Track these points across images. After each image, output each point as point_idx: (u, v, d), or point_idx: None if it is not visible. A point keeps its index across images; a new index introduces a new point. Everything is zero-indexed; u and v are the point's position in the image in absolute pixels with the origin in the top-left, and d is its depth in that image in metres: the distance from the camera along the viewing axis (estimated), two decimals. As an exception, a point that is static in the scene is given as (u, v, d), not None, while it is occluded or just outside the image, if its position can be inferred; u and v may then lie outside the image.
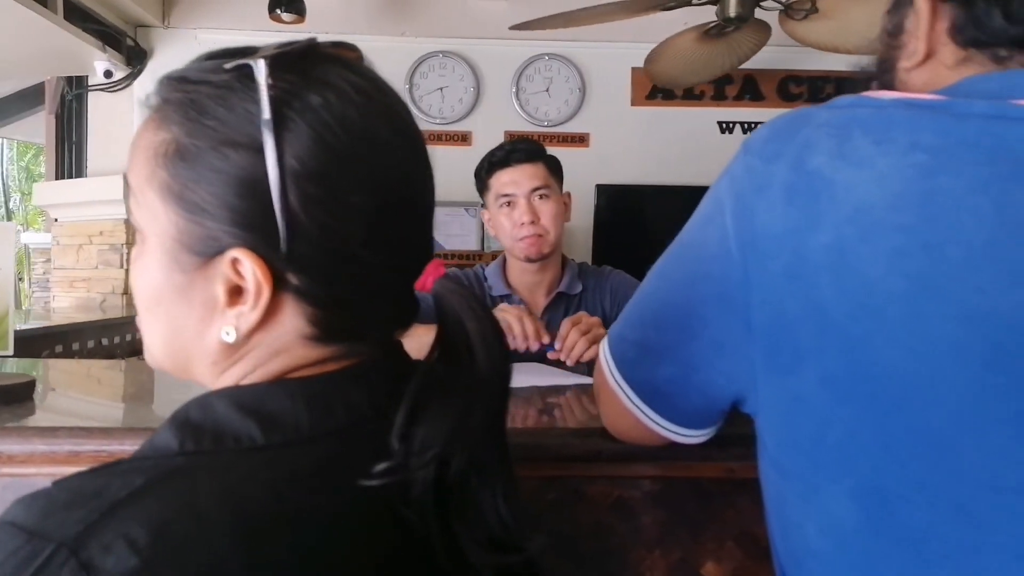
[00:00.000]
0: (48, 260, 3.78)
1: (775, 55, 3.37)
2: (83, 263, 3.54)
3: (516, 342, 1.34)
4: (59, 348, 2.35)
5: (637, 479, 0.90)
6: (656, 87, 3.65)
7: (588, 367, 1.32)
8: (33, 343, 2.23)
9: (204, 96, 0.47)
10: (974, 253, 0.48)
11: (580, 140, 3.67)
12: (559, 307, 1.68)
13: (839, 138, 0.56)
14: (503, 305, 1.39)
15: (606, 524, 0.90)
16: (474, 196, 1.80)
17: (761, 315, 0.59)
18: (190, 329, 0.49)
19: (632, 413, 0.76)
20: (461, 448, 0.48)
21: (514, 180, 1.63)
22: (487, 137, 3.65)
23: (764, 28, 2.55)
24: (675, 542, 0.91)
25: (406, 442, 0.47)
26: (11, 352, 1.28)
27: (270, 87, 0.45)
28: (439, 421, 0.48)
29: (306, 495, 0.44)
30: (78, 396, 1.14)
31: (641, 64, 3.61)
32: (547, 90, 3.65)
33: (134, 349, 2.83)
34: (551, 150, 3.49)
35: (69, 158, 3.72)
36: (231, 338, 0.48)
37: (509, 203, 1.63)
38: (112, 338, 2.70)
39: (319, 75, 0.48)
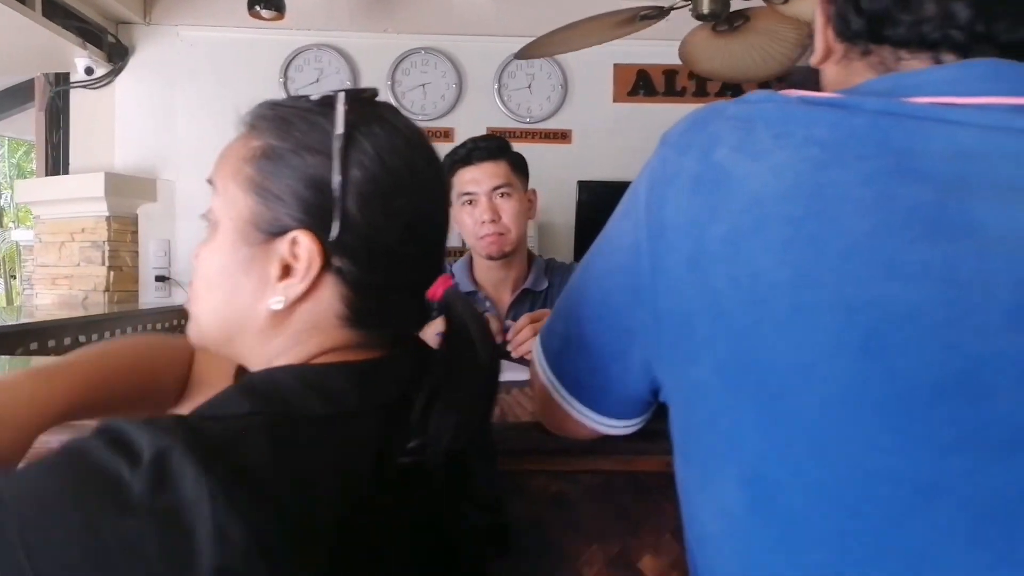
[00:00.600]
0: (36, 235, 3.76)
1: (756, 51, 3.37)
2: (65, 260, 3.54)
3: None
4: (34, 345, 2.35)
5: (575, 473, 0.91)
6: (638, 84, 3.66)
7: None
8: (8, 340, 2.23)
9: (292, 114, 0.62)
10: (854, 245, 0.49)
11: (562, 136, 3.68)
12: (524, 304, 1.69)
13: (743, 131, 0.58)
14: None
15: (545, 518, 0.91)
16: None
17: (666, 305, 0.61)
18: (246, 299, 0.61)
19: (561, 406, 0.77)
20: (468, 431, 0.63)
21: (475, 178, 1.63)
22: (470, 134, 3.62)
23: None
24: (613, 536, 0.91)
25: (423, 425, 0.61)
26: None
27: (346, 112, 0.60)
28: (451, 410, 0.62)
29: (354, 461, 0.56)
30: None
31: (623, 61, 3.65)
32: (529, 87, 3.65)
33: (113, 346, 2.83)
34: (534, 147, 3.51)
35: (55, 155, 3.71)
36: (280, 305, 0.59)
37: (471, 201, 1.64)
38: (90, 336, 2.69)
39: (380, 112, 0.64)
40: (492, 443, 0.72)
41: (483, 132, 3.59)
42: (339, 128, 0.59)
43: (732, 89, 3.73)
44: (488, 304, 1.67)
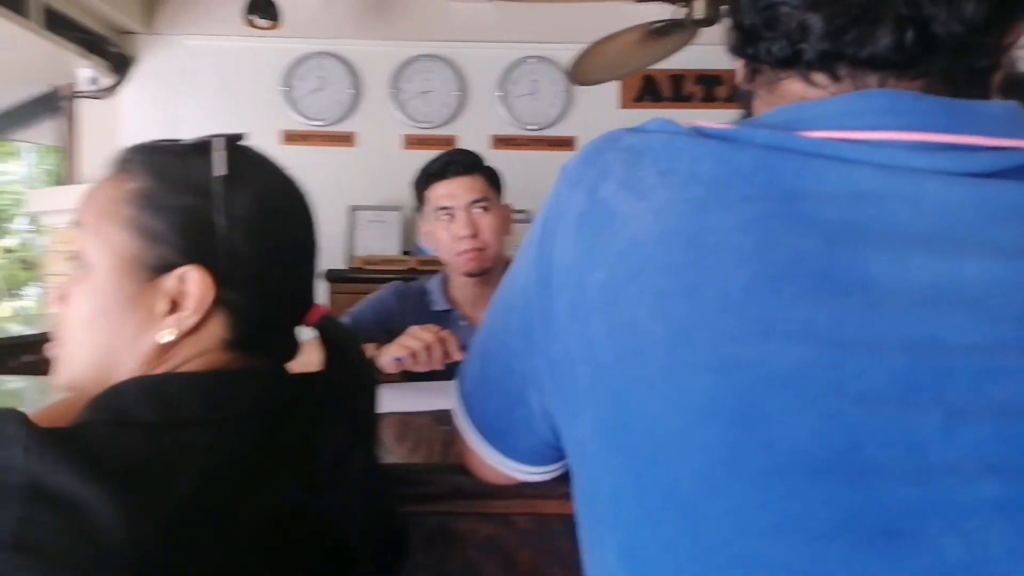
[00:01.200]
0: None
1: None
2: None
3: (421, 365, 1.30)
4: (30, 357, 2.36)
5: (507, 515, 0.86)
6: (644, 90, 3.59)
7: None
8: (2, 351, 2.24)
9: (167, 157, 0.66)
10: (731, 298, 0.44)
11: (567, 144, 3.61)
12: (502, 321, 1.65)
13: (631, 165, 0.54)
14: (412, 329, 1.34)
15: (477, 562, 0.87)
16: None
17: (554, 353, 0.56)
18: (128, 335, 0.63)
19: (475, 449, 0.73)
20: (354, 444, 0.69)
21: (451, 193, 1.59)
22: (473, 141, 3.60)
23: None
24: (550, 581, 0.86)
25: (308, 438, 0.65)
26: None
27: (227, 155, 0.65)
28: (337, 424, 0.68)
29: (180, 466, 0.55)
30: None
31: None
32: (533, 93, 3.60)
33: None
34: (538, 154, 3.47)
35: (65, 165, 3.75)
36: (171, 337, 0.62)
37: (448, 216, 1.59)
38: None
39: (254, 154, 0.70)
40: (374, 460, 0.77)
41: (486, 140, 3.57)
42: (221, 170, 0.64)
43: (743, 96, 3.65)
44: (463, 323, 1.62)
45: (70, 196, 3.52)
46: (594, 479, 0.52)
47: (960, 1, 0.45)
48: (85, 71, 3.40)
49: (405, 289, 1.69)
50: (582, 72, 2.66)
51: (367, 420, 0.74)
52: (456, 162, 1.61)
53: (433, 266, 3.29)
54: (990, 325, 0.40)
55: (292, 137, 3.62)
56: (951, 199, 0.42)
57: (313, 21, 3.50)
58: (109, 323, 0.63)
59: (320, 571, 0.65)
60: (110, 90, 3.54)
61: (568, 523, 0.86)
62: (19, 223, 10.75)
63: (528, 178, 3.56)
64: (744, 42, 0.55)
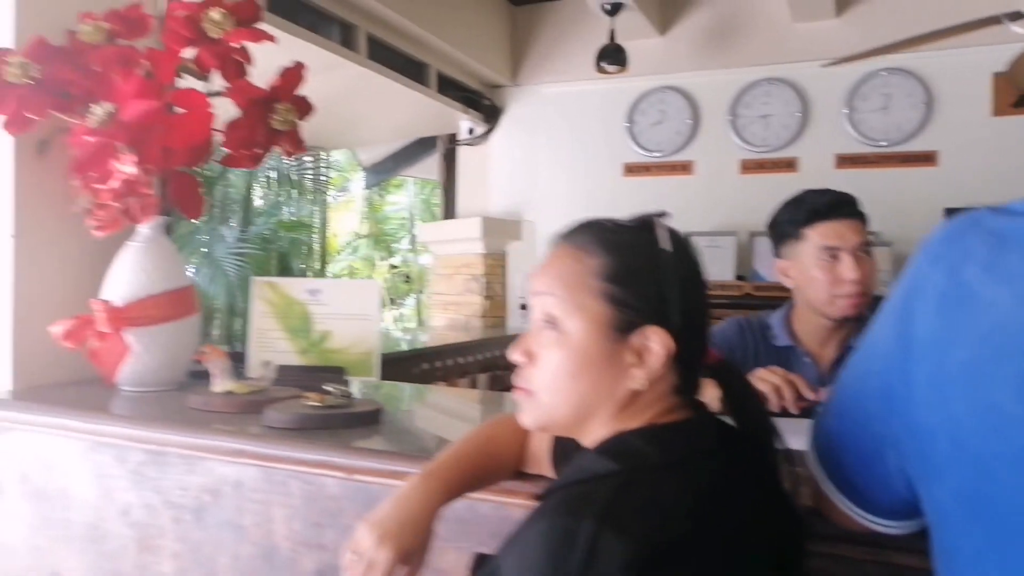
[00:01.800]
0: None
1: None
2: (452, 290, 4.23)
3: (771, 407, 1.33)
4: (425, 366, 2.90)
5: (860, 561, 0.91)
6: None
7: None
8: (407, 362, 2.79)
9: (619, 236, 0.78)
10: None
11: (926, 159, 3.33)
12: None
13: (995, 250, 0.57)
14: (761, 371, 1.37)
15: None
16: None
17: (913, 419, 0.62)
18: (605, 384, 0.76)
19: (830, 498, 0.80)
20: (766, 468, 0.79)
21: (841, 233, 1.53)
22: (814, 162, 3.51)
23: None
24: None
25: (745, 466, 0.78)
26: (378, 379, 1.68)
27: (669, 232, 0.77)
28: (755, 459, 0.79)
29: (699, 492, 0.71)
30: (412, 423, 1.47)
31: (1004, 69, 3.18)
32: (885, 108, 3.38)
33: (483, 367, 3.34)
34: (890, 172, 3.29)
35: (447, 203, 4.48)
36: (642, 386, 0.75)
37: (832, 257, 1.55)
38: (466, 357, 3.21)
39: (674, 230, 0.80)
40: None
41: (830, 160, 3.45)
42: (666, 244, 0.76)
43: None
44: (807, 360, 1.63)
45: (450, 228, 4.19)
46: (955, 541, 0.57)
47: None
48: (464, 122, 4.03)
49: (747, 324, 1.74)
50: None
51: (770, 458, 0.81)
52: (847, 203, 1.56)
53: (767, 292, 3.28)
54: None
55: (633, 169, 3.88)
56: None
57: (655, 59, 3.71)
58: (590, 375, 0.75)
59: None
60: (483, 136, 4.14)
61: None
62: (402, 244, 12.80)
63: (876, 197, 3.35)
64: None
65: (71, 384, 1.62)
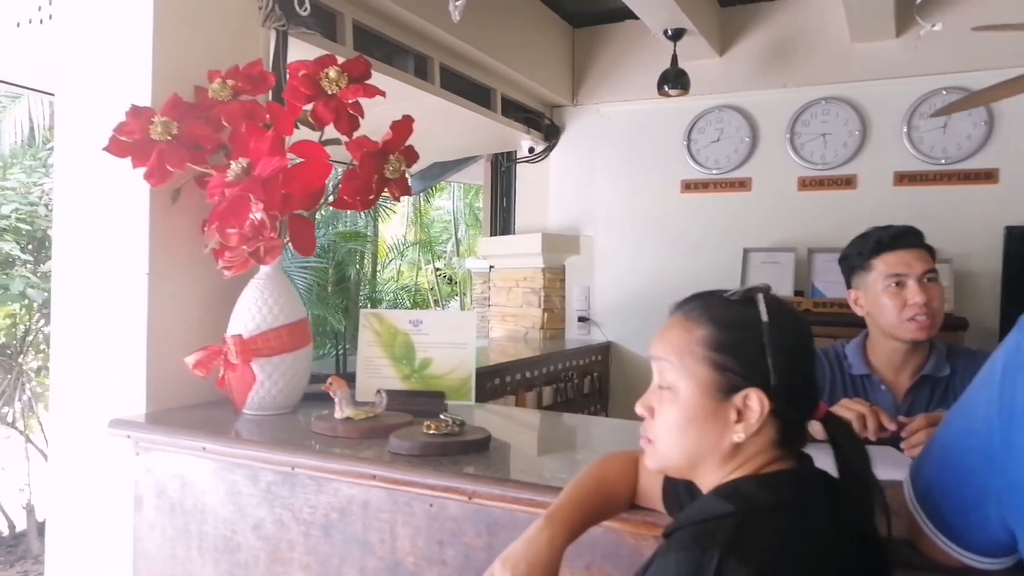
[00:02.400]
0: (485, 282, 4.69)
1: None
2: (511, 302, 4.36)
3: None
4: (496, 381, 3.03)
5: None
6: (1088, 111, 3.17)
7: None
8: (481, 378, 2.91)
9: (723, 310, 0.90)
10: None
11: (987, 177, 3.36)
12: (924, 390, 1.70)
13: None
14: (845, 402, 1.47)
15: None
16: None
17: (1016, 478, 0.73)
18: (710, 437, 0.87)
19: (928, 536, 0.91)
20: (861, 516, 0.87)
21: (905, 262, 1.65)
22: (873, 179, 3.56)
23: None
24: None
25: (842, 513, 0.86)
26: (473, 402, 1.82)
27: (766, 305, 0.88)
28: (852, 508, 0.87)
29: (813, 535, 0.82)
30: (517, 449, 1.60)
31: (1067, 86, 3.19)
32: (945, 126, 3.42)
33: (547, 380, 3.46)
34: (950, 189, 3.34)
35: (502, 217, 4.61)
36: (741, 439, 0.86)
37: (898, 284, 1.66)
38: (532, 371, 3.34)
39: (777, 300, 0.91)
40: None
41: (889, 177, 3.50)
42: (765, 317, 0.88)
43: None
44: (883, 388, 1.71)
45: (510, 243, 4.32)
46: None
47: None
48: (525, 141, 4.16)
49: (823, 353, 1.82)
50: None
51: (861, 503, 0.89)
52: (910, 234, 1.68)
53: (827, 308, 3.34)
54: None
55: (690, 185, 3.96)
56: None
57: (714, 79, 3.80)
58: (697, 430, 0.88)
59: None
60: (543, 154, 4.26)
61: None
62: (447, 248, 13.00)
63: (935, 215, 3.40)
64: None
65: (197, 407, 1.79)
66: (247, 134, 1.61)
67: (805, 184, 3.70)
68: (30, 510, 5.81)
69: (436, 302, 12.69)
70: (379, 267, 10.74)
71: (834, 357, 1.82)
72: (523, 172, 4.45)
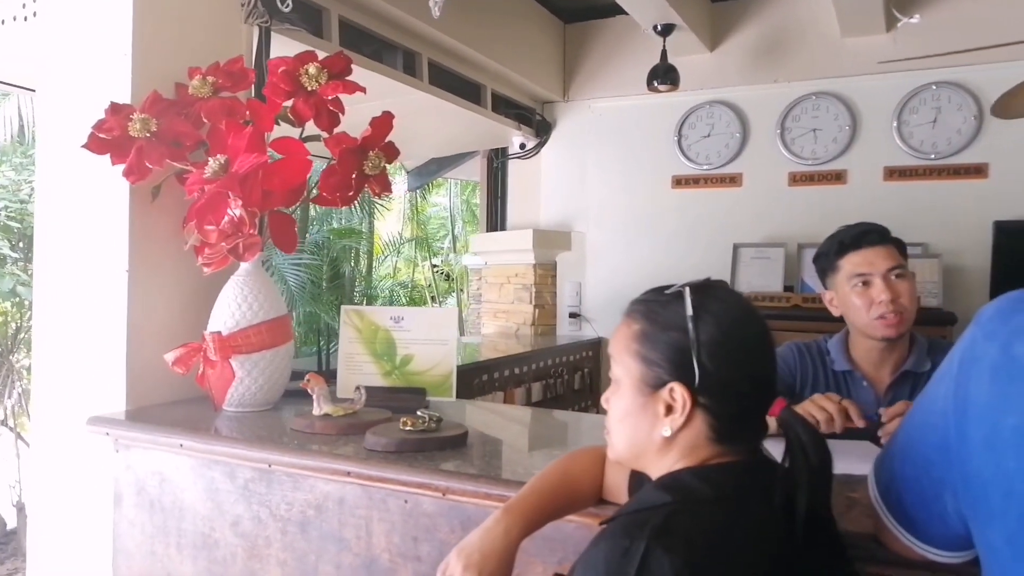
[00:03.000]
0: (480, 278, 4.69)
1: None
2: (503, 298, 4.36)
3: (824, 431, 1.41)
4: (485, 377, 3.03)
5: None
6: (1077, 106, 3.16)
7: None
8: (469, 375, 2.92)
9: (655, 306, 0.92)
10: None
11: (976, 171, 3.36)
12: (905, 385, 1.70)
13: None
14: (816, 397, 1.47)
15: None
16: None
17: (971, 469, 0.73)
18: (644, 429, 0.89)
19: (891, 530, 0.91)
20: (811, 511, 0.85)
21: (869, 261, 1.66)
22: (863, 174, 3.56)
23: None
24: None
25: (787, 506, 0.84)
26: (454, 399, 1.82)
27: (692, 299, 0.88)
28: (802, 503, 0.84)
29: (752, 528, 0.82)
30: (496, 445, 1.60)
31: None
32: (934, 120, 3.42)
33: (536, 376, 3.46)
34: (939, 184, 3.34)
35: (496, 213, 4.61)
36: (668, 433, 0.88)
37: (864, 283, 1.67)
38: (521, 368, 3.34)
39: (714, 293, 0.91)
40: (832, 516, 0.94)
41: (879, 172, 3.50)
42: (690, 311, 0.88)
43: None
44: (865, 384, 1.71)
45: (502, 239, 4.32)
46: (1004, 575, 0.68)
47: None
48: (516, 137, 4.15)
49: (806, 348, 1.83)
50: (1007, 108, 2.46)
51: (814, 498, 0.86)
52: (873, 231, 1.68)
53: (816, 304, 3.32)
54: None
55: (681, 181, 3.96)
56: None
57: (704, 74, 3.79)
58: (632, 422, 0.91)
59: None
60: (534, 150, 4.26)
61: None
62: (443, 244, 12.99)
63: (925, 210, 3.41)
64: None
65: (175, 404, 1.79)
66: (226, 130, 1.61)
67: (795, 179, 3.70)
68: (20, 508, 5.81)
69: (433, 299, 12.68)
70: (375, 264, 10.72)
71: (817, 353, 1.82)
72: (515, 168, 4.44)
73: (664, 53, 3.50)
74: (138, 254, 1.75)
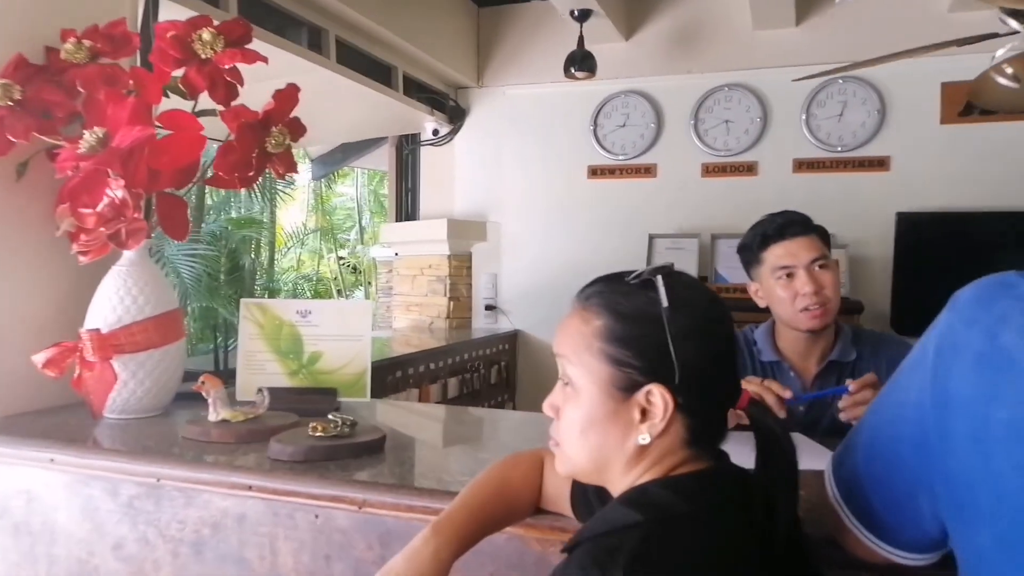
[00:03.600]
0: (390, 271, 4.52)
1: None
2: (416, 291, 4.21)
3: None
4: (399, 373, 2.89)
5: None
6: (971, 103, 3.31)
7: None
8: (382, 371, 2.77)
9: (620, 297, 0.80)
10: None
11: (879, 164, 3.46)
12: (831, 375, 1.69)
13: None
14: (748, 378, 1.44)
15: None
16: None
17: (953, 468, 0.67)
18: (614, 439, 0.78)
19: (852, 532, 0.85)
20: (791, 515, 0.79)
21: (791, 252, 1.63)
22: (774, 166, 3.61)
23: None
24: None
25: (770, 514, 0.77)
26: (368, 399, 1.68)
27: (665, 288, 0.77)
28: (783, 507, 0.78)
29: (724, 541, 0.74)
30: (416, 449, 1.48)
31: (953, 79, 3.32)
32: (840, 114, 3.50)
33: (452, 371, 3.34)
34: (845, 176, 3.41)
35: (407, 202, 4.44)
36: (646, 441, 0.77)
37: (788, 275, 1.65)
38: (437, 363, 3.21)
39: (680, 279, 0.81)
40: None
41: (788, 164, 3.55)
42: (664, 302, 0.77)
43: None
44: (792, 375, 1.69)
45: (414, 229, 4.17)
46: None
47: None
48: (429, 123, 4.01)
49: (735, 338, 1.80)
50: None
51: (792, 499, 0.80)
52: (794, 222, 1.65)
53: (730, 294, 3.36)
54: None
55: (597, 171, 3.92)
56: None
57: (620, 63, 3.76)
58: (599, 431, 0.78)
59: None
60: (447, 137, 4.12)
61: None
62: (350, 235, 12.64)
63: (832, 201, 3.49)
64: None
65: (47, 412, 1.58)
66: (105, 100, 1.41)
67: (708, 170, 3.72)
68: None
69: (340, 292, 12.33)
70: (277, 256, 10.30)
71: (744, 343, 1.79)
72: (427, 156, 4.30)
73: (581, 39, 3.44)
74: (2, 241, 1.52)
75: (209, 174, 1.53)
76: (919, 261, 3.29)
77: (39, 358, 1.47)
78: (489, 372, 3.69)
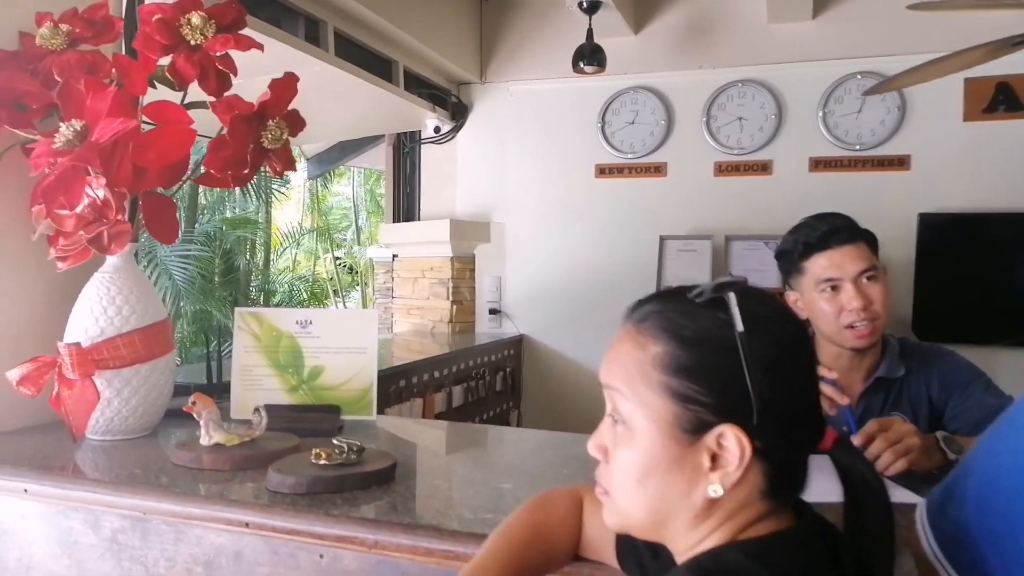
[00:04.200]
0: (388, 272, 4.37)
1: None
2: (417, 294, 4.08)
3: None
4: (402, 383, 2.76)
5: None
6: (997, 98, 3.19)
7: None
8: (385, 381, 2.64)
9: (683, 319, 0.66)
10: None
11: (899, 163, 3.34)
12: (878, 393, 1.55)
13: None
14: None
15: None
16: (772, 228, 1.69)
17: None
18: (678, 490, 0.66)
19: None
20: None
21: (838, 263, 1.48)
22: (790, 165, 3.48)
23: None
24: None
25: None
26: (374, 417, 1.54)
27: (741, 309, 0.64)
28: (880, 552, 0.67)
29: None
30: (432, 477, 1.34)
31: (976, 74, 3.19)
32: (859, 111, 3.37)
33: (457, 379, 3.21)
34: (864, 176, 3.28)
35: (406, 202, 4.31)
36: (718, 494, 0.64)
37: (833, 288, 1.49)
38: (441, 370, 3.08)
39: (757, 297, 0.68)
40: None
41: (804, 163, 3.43)
42: (740, 325, 0.64)
43: None
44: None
45: (415, 230, 4.03)
46: None
47: None
48: (430, 120, 3.87)
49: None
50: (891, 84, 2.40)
51: (889, 565, 0.69)
52: (840, 229, 1.49)
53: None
54: None
55: (605, 170, 3.79)
56: None
57: (628, 58, 3.62)
58: (660, 480, 0.66)
59: None
60: (449, 134, 3.99)
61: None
62: (347, 235, 12.48)
63: (850, 201, 3.35)
64: None
65: (21, 433, 1.44)
66: (84, 90, 1.28)
67: (721, 169, 3.59)
68: None
69: (336, 293, 12.20)
70: (273, 256, 10.15)
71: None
72: (428, 154, 4.16)
73: (590, 32, 3.31)
74: (-29, 246, 1.39)
75: (200, 171, 1.40)
76: (942, 264, 3.17)
77: (14, 374, 1.34)
78: (495, 379, 3.56)
